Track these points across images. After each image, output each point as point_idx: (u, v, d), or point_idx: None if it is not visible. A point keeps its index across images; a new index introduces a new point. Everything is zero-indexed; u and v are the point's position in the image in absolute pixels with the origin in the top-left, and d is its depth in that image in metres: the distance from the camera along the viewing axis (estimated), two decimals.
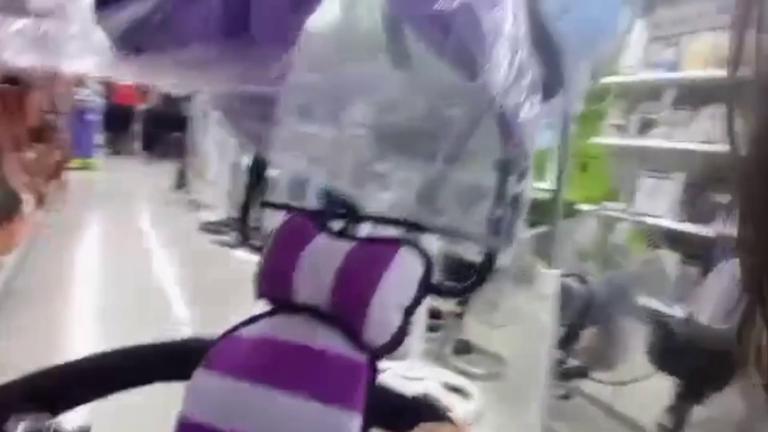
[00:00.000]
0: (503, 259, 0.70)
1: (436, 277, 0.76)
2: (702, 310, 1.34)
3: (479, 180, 0.76)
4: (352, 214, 0.84)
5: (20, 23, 0.41)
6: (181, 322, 2.74)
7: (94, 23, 0.46)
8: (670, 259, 2.72)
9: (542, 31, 0.74)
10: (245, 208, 0.89)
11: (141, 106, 9.41)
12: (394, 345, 0.68)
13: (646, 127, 3.08)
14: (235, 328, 0.77)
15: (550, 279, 1.44)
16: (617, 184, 3.29)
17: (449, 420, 0.69)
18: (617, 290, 1.72)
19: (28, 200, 3.51)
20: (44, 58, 0.42)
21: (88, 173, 7.25)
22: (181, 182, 6.69)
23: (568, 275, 1.66)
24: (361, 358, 0.68)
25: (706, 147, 2.70)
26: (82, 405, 0.69)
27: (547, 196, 1.79)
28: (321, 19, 0.73)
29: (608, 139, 3.21)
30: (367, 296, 0.66)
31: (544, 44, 0.74)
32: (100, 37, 0.43)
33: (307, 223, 0.79)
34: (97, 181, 7.18)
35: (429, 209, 0.77)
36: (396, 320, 0.67)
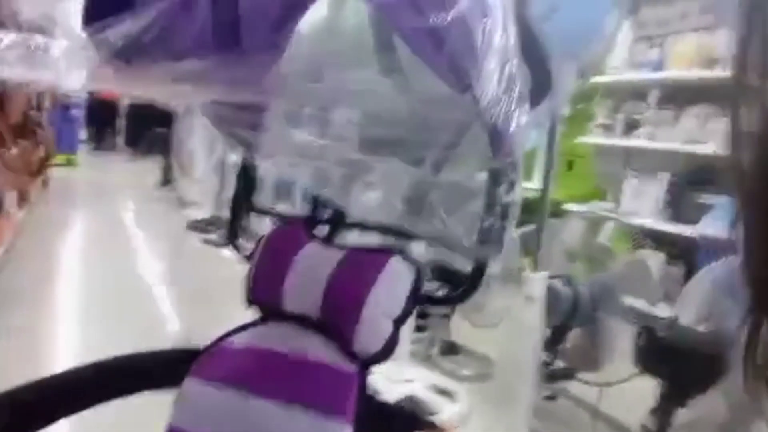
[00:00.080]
0: (493, 268, 0.71)
1: (425, 283, 0.76)
2: (685, 313, 1.35)
3: (468, 188, 0.76)
4: (340, 220, 0.84)
5: (10, 38, 0.40)
6: (167, 321, 2.72)
7: (84, 38, 0.46)
8: (654, 260, 2.75)
9: (530, 37, 0.75)
10: (234, 215, 0.89)
11: (125, 101, 9.33)
12: (384, 355, 0.68)
13: (631, 127, 3.11)
14: (225, 337, 0.77)
15: (537, 282, 1.45)
16: (603, 183, 3.32)
17: (438, 428, 0.70)
18: (603, 292, 1.74)
19: (10, 198, 3.46)
20: (34, 72, 0.42)
21: (71, 170, 7.17)
22: (167, 179, 6.64)
23: (554, 277, 1.67)
24: (351, 367, 0.68)
25: (690, 147, 2.73)
26: (68, 416, 0.68)
27: (534, 195, 1.80)
28: (308, 18, 0.73)
29: (594, 138, 3.24)
30: (357, 306, 0.66)
31: (532, 50, 0.75)
32: (89, 51, 0.42)
33: (297, 231, 0.79)
34: (80, 177, 7.11)
35: (418, 217, 0.78)
36: (386, 330, 0.67)
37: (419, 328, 2.22)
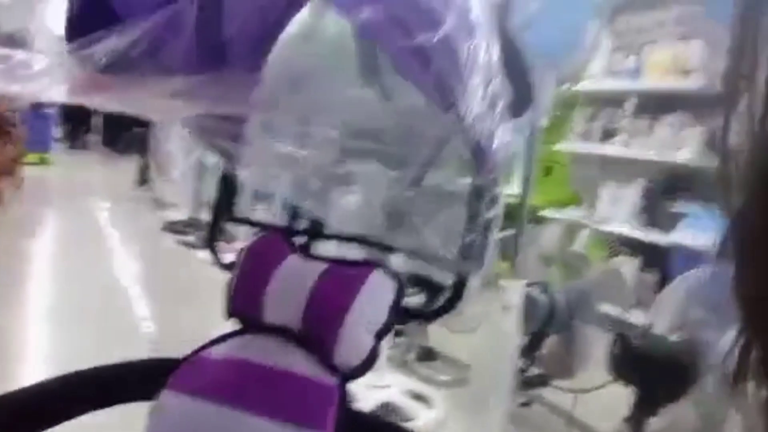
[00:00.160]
0: (474, 282, 0.72)
1: (406, 293, 0.76)
2: (659, 321, 1.38)
3: (448, 193, 0.77)
4: (317, 231, 0.84)
5: None
6: (142, 323, 2.69)
7: (66, 53, 0.45)
8: (629, 267, 2.80)
9: (512, 50, 0.76)
10: (214, 225, 0.88)
11: None
12: (365, 368, 0.68)
13: (608, 134, 3.15)
14: (203, 348, 0.77)
15: (514, 290, 1.46)
16: (580, 190, 3.36)
17: None
18: (578, 299, 1.76)
19: None
20: (14, 86, 0.41)
21: (45, 169, 7.04)
22: (143, 179, 6.55)
23: (531, 284, 1.69)
24: (332, 380, 0.68)
25: (664, 155, 2.78)
26: None
27: (512, 200, 1.81)
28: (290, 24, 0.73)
29: (572, 145, 3.28)
30: (339, 319, 0.66)
31: (514, 62, 0.76)
32: (72, 66, 0.42)
33: (279, 242, 0.79)
34: (54, 177, 6.98)
35: (397, 230, 0.78)
36: (368, 343, 0.67)
37: (397, 333, 2.22)
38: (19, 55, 0.40)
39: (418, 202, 0.79)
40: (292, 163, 0.86)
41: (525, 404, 1.80)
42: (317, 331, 0.70)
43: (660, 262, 2.75)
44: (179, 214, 4.93)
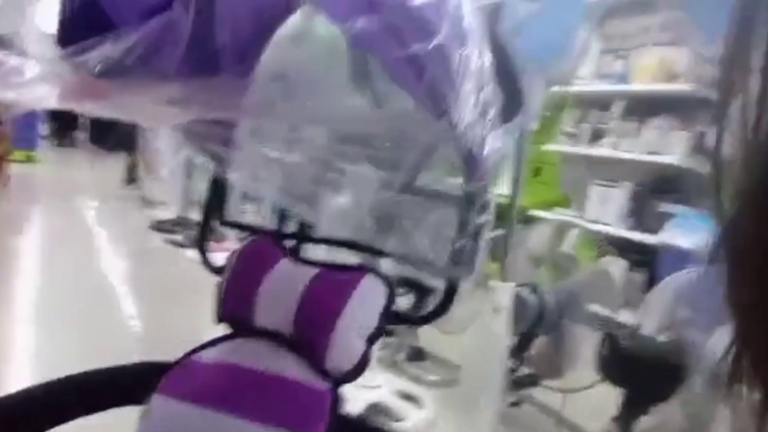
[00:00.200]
0: (465, 286, 0.72)
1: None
2: (647, 322, 1.39)
3: (438, 195, 0.77)
4: (308, 235, 0.84)
5: None
6: (130, 323, 2.68)
7: (58, 60, 0.45)
8: (617, 267, 2.82)
9: (502, 55, 0.76)
10: (204, 228, 0.88)
11: None
12: (356, 373, 0.69)
13: (596, 136, 3.18)
14: (193, 352, 0.77)
15: (504, 292, 1.47)
16: (569, 190, 3.38)
17: None
18: (568, 299, 1.77)
19: None
20: (7, 93, 0.41)
21: (32, 166, 6.98)
22: (132, 177, 6.51)
23: (521, 285, 1.70)
24: (323, 385, 0.68)
25: (652, 157, 2.81)
26: None
27: (502, 201, 1.82)
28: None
29: (561, 146, 3.30)
30: (330, 324, 0.66)
31: (504, 68, 0.76)
32: (65, 73, 0.42)
33: (269, 246, 0.79)
34: (41, 174, 6.92)
35: (387, 234, 0.78)
36: (359, 348, 0.68)
37: (387, 333, 2.23)
38: (11, 60, 0.39)
39: (408, 207, 0.80)
40: (281, 166, 0.86)
41: (515, 404, 1.81)
42: (309, 335, 0.70)
43: (648, 262, 2.78)
44: (167, 213, 4.90)
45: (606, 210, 3.03)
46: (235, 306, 0.76)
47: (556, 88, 2.67)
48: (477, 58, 0.61)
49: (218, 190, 0.85)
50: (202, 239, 0.85)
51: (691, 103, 2.70)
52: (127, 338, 2.42)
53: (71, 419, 0.70)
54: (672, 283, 1.45)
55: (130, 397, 0.74)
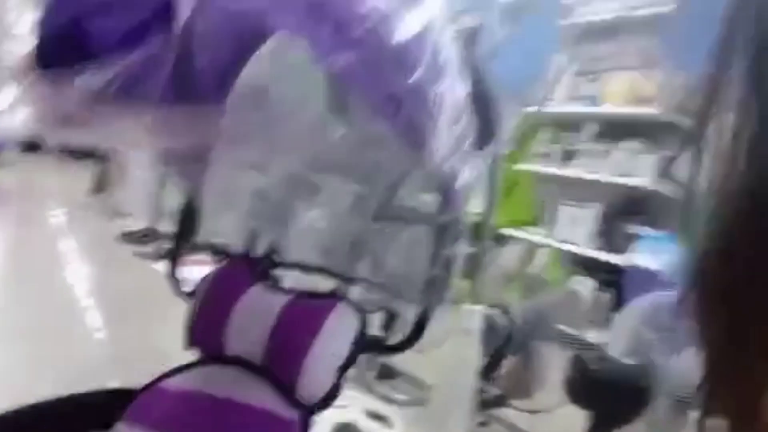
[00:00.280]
0: (437, 316, 0.73)
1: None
2: (613, 346, 1.41)
3: (412, 215, 0.78)
4: (281, 260, 0.84)
5: None
6: (96, 337, 2.61)
7: (37, 83, 0.44)
8: (585, 286, 2.86)
9: (478, 84, 0.77)
10: (176, 252, 0.87)
11: None
12: (327, 402, 0.69)
13: (567, 157, 3.23)
14: (161, 378, 0.75)
15: (475, 315, 1.48)
16: (540, 210, 3.42)
17: None
18: (536, 320, 1.79)
19: None
20: None
21: None
22: (101, 186, 6.38)
23: (491, 305, 1.71)
24: (293, 414, 0.68)
25: (621, 179, 2.86)
26: None
27: (475, 219, 1.83)
28: None
29: (533, 166, 3.34)
30: (302, 354, 0.66)
31: (480, 96, 0.77)
32: (42, 97, 0.41)
33: (241, 271, 0.79)
34: (6, 180, 6.75)
35: (360, 262, 0.79)
36: (330, 378, 0.68)
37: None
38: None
39: (381, 233, 0.80)
40: (253, 188, 0.86)
41: (483, 424, 1.81)
42: (280, 364, 0.70)
43: (615, 282, 2.82)
44: (136, 224, 4.82)
45: (575, 230, 3.08)
46: (205, 333, 0.75)
47: (530, 109, 2.72)
48: (453, 91, 0.62)
49: (190, 213, 0.84)
50: (173, 263, 0.84)
51: (659, 127, 2.77)
52: (92, 351, 2.37)
53: None
54: (638, 306, 1.48)
55: (99, 424, 0.72)
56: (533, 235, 3.32)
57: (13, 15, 0.47)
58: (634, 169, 2.83)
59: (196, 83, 0.50)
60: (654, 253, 2.55)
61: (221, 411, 0.68)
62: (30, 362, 2.10)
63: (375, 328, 0.80)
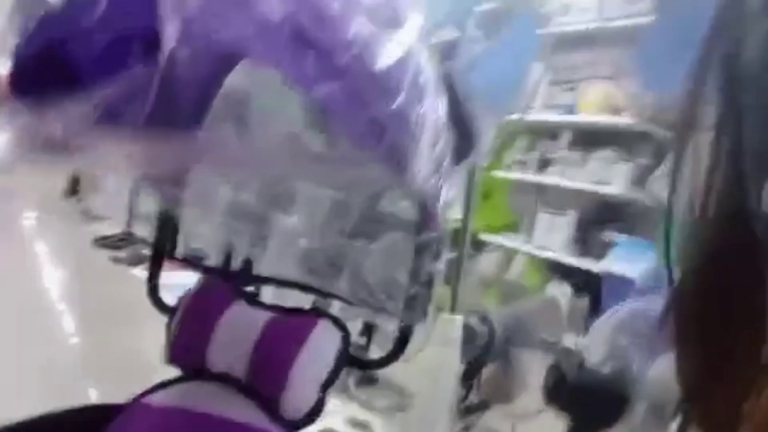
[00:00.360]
0: (418, 334, 0.73)
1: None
2: (592, 353, 1.44)
3: (390, 250, 0.79)
4: (260, 276, 0.84)
5: None
6: (71, 342, 2.58)
7: (17, 108, 0.44)
8: (562, 292, 2.90)
9: (456, 99, 0.78)
10: (154, 268, 0.87)
11: None
12: (311, 418, 0.69)
13: (544, 164, 3.28)
14: (143, 395, 0.75)
15: (454, 324, 1.49)
16: (518, 217, 3.46)
17: None
18: (515, 326, 1.81)
19: None
20: None
21: None
22: (74, 188, 6.28)
23: (470, 311, 1.72)
24: (278, 430, 0.68)
25: (596, 187, 2.91)
26: None
27: (454, 225, 1.85)
28: None
29: (510, 173, 3.38)
30: (284, 371, 0.67)
31: (458, 111, 0.79)
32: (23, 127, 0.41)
33: (221, 288, 0.79)
34: None
35: (338, 277, 0.79)
36: (313, 395, 0.68)
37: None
38: None
39: (360, 248, 0.81)
40: (230, 203, 0.86)
41: (465, 429, 1.82)
42: (263, 381, 0.70)
43: (591, 288, 2.87)
44: (111, 228, 4.75)
45: (552, 237, 3.12)
46: (186, 349, 0.75)
47: (510, 118, 2.74)
48: (433, 111, 0.63)
49: (167, 226, 0.84)
50: (153, 278, 0.84)
51: (633, 136, 2.82)
52: (68, 357, 2.33)
53: None
54: (615, 314, 1.50)
55: None
56: (512, 241, 3.36)
57: None
58: (609, 177, 2.88)
59: (178, 110, 0.51)
60: (630, 260, 2.60)
61: (204, 427, 0.68)
62: (4, 367, 2.06)
63: (354, 336, 0.81)
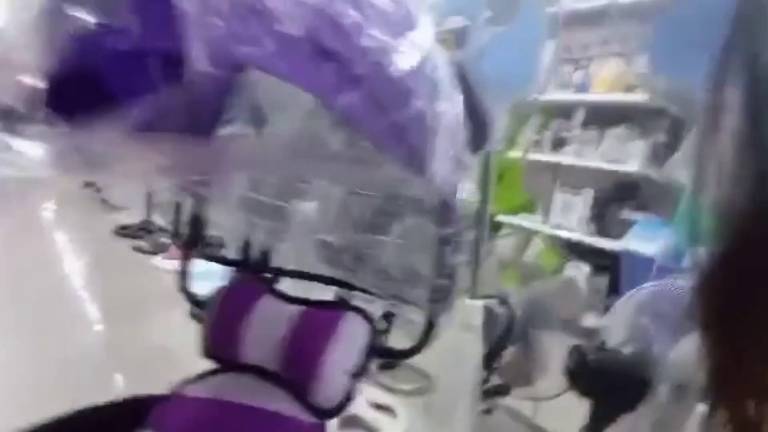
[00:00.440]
0: (443, 322, 0.76)
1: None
2: (612, 335, 1.45)
3: (413, 243, 0.80)
4: (288, 271, 0.86)
5: None
6: (95, 331, 2.62)
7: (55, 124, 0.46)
8: (580, 272, 2.90)
9: (470, 91, 0.79)
10: (185, 266, 0.90)
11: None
12: (342, 407, 0.72)
13: (558, 144, 3.26)
14: (179, 387, 0.78)
15: (475, 309, 1.51)
16: (534, 197, 3.45)
17: None
18: (535, 309, 1.82)
19: None
20: (8, 170, 0.43)
21: None
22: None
23: (489, 297, 1.74)
24: (310, 419, 0.71)
25: (612, 166, 2.89)
26: None
27: (472, 208, 1.86)
28: None
29: (524, 153, 3.36)
30: (316, 363, 0.69)
31: (473, 105, 0.80)
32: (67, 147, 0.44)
33: (252, 283, 0.82)
34: None
35: (365, 271, 0.81)
36: (344, 384, 0.71)
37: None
38: (14, 143, 0.41)
39: (382, 241, 0.83)
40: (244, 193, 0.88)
41: (486, 411, 1.85)
42: (295, 372, 0.73)
43: (610, 268, 2.86)
44: (131, 218, 4.79)
45: (569, 216, 3.11)
46: (221, 342, 0.78)
47: (524, 98, 2.72)
48: (449, 108, 0.64)
49: (197, 227, 0.87)
50: (184, 277, 0.87)
51: (648, 113, 2.79)
52: (92, 346, 2.36)
53: None
54: (636, 296, 1.51)
55: None
56: (528, 222, 3.35)
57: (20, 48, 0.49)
58: (625, 155, 2.86)
59: (201, 118, 0.53)
60: (648, 239, 2.59)
61: (241, 416, 0.71)
62: (29, 357, 2.10)
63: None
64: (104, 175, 0.50)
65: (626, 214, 2.87)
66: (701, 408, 1.09)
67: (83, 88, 0.48)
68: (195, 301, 0.83)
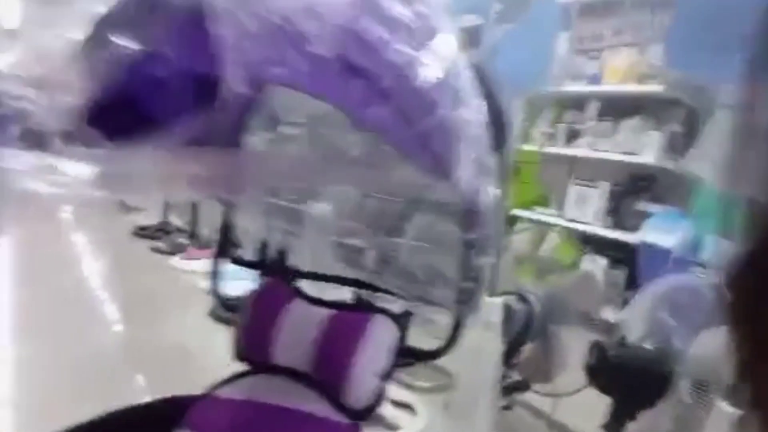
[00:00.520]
0: (469, 322, 0.77)
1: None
2: (631, 330, 1.45)
3: (442, 250, 0.82)
4: (315, 274, 0.88)
5: (29, 161, 0.43)
6: (112, 335, 2.65)
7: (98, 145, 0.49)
8: (597, 265, 2.90)
9: (490, 95, 0.81)
10: (216, 268, 0.92)
11: None
12: (372, 408, 0.74)
13: (572, 136, 3.25)
14: (214, 388, 0.81)
15: (494, 307, 1.53)
16: (548, 190, 3.45)
17: None
18: (553, 304, 1.83)
19: None
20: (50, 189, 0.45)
21: None
22: None
23: (508, 293, 1.75)
24: (342, 419, 0.73)
25: (627, 157, 2.88)
26: None
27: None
28: None
29: (539, 146, 3.36)
30: (346, 365, 0.71)
31: (492, 105, 0.81)
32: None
33: (282, 287, 0.84)
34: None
35: (390, 274, 0.83)
36: (374, 385, 0.73)
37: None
38: (53, 161, 0.43)
39: (410, 247, 0.84)
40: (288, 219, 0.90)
41: (506, 407, 1.86)
42: (326, 373, 0.75)
43: (627, 260, 2.86)
44: (148, 219, 4.84)
45: (585, 209, 3.11)
46: (253, 345, 0.80)
47: (539, 90, 2.70)
48: (473, 114, 0.66)
49: (228, 233, 0.89)
50: (216, 278, 0.89)
51: (662, 103, 2.78)
52: (111, 346, 2.39)
53: None
54: (655, 289, 1.51)
55: None
56: (544, 215, 3.35)
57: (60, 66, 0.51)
58: (640, 146, 2.84)
59: (233, 135, 0.55)
60: (665, 231, 2.58)
61: (276, 417, 0.73)
62: (49, 357, 2.13)
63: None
64: (144, 193, 0.52)
65: (642, 206, 2.86)
66: (723, 405, 1.09)
67: (124, 111, 0.50)
68: (225, 304, 0.86)
